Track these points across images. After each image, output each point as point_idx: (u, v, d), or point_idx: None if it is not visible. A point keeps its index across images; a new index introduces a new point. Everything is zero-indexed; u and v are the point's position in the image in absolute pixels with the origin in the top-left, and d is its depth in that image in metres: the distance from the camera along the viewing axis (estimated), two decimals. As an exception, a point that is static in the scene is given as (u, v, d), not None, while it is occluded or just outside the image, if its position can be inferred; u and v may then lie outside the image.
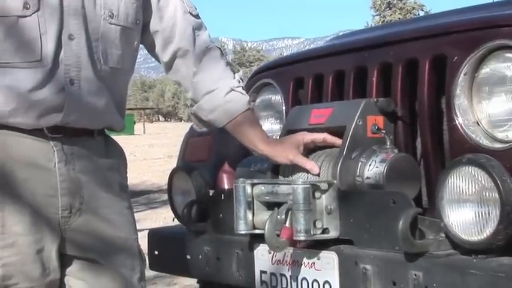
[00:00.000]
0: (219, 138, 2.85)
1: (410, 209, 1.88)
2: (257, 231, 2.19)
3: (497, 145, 2.02)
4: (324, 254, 2.09)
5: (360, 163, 2.14)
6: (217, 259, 2.46)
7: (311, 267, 2.13)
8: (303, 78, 2.65)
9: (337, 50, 2.66)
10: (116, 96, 2.04)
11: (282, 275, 2.21)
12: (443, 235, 1.88)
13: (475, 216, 1.82)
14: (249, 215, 2.20)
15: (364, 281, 1.96)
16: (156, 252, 2.76)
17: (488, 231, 1.78)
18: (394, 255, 1.90)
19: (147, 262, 2.35)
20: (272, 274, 2.25)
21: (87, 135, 1.99)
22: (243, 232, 2.21)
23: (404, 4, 62.41)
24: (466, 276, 1.74)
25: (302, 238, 2.04)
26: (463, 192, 1.85)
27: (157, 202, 11.15)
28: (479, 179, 1.81)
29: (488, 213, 1.79)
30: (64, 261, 1.97)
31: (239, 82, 2.30)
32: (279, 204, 2.12)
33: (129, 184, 2.18)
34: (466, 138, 2.07)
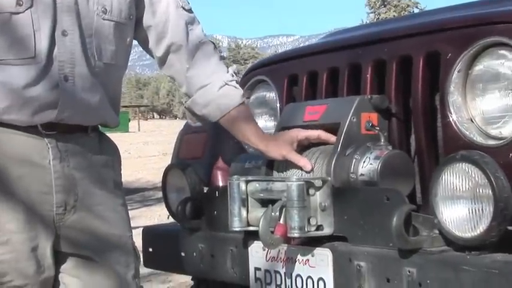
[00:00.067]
0: (214, 135, 2.84)
1: (404, 206, 1.88)
2: (251, 228, 2.19)
3: (491, 142, 2.03)
4: (318, 250, 2.09)
5: (354, 160, 2.14)
6: (211, 256, 2.46)
7: (305, 264, 2.13)
8: (297, 75, 2.65)
9: (331, 47, 2.66)
10: (110, 92, 2.04)
11: (276, 271, 2.21)
12: (437, 232, 1.88)
13: (469, 213, 1.83)
14: (243, 212, 2.20)
15: (358, 278, 1.96)
16: (151, 250, 2.76)
17: (481, 228, 1.78)
18: (388, 251, 1.91)
19: (142, 259, 2.35)
20: (266, 271, 2.25)
21: (81, 132, 1.99)
22: (237, 229, 2.21)
23: (399, 2, 62.45)
24: (459, 273, 1.74)
25: (296, 235, 2.05)
26: (456, 188, 1.85)
27: (152, 200, 11.14)
28: (473, 175, 1.81)
29: (482, 209, 1.80)
30: (58, 258, 1.97)
31: (232, 76, 2.30)
32: (273, 201, 2.12)
33: (124, 182, 2.18)
34: (459, 135, 2.07)
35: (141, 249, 2.64)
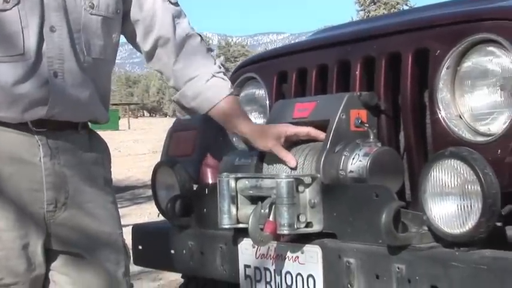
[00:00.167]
0: (203, 132, 2.84)
1: (393, 203, 1.88)
2: (241, 226, 2.19)
3: (480, 138, 2.03)
4: (307, 247, 2.09)
5: (343, 157, 2.14)
6: (201, 253, 2.45)
7: (295, 261, 2.13)
8: (287, 72, 2.65)
9: (320, 44, 2.66)
10: (99, 88, 2.04)
11: (266, 269, 2.21)
12: (426, 228, 1.88)
13: (458, 209, 1.83)
14: (233, 209, 2.20)
15: (348, 275, 1.96)
16: (140, 247, 2.76)
17: (470, 224, 1.78)
18: (377, 248, 1.91)
19: (132, 257, 2.35)
20: (256, 268, 2.25)
21: (72, 129, 1.99)
22: (226, 226, 2.21)
23: (388, -1, 62.48)
24: (448, 269, 1.75)
25: (286, 232, 2.05)
26: (445, 185, 1.85)
27: (142, 197, 11.14)
28: (462, 172, 1.82)
29: (471, 206, 1.80)
30: (49, 256, 1.97)
31: (220, 68, 2.31)
32: (262, 198, 2.12)
33: (114, 180, 2.18)
34: (448, 132, 2.08)
35: (131, 247, 2.64)
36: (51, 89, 1.89)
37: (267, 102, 2.72)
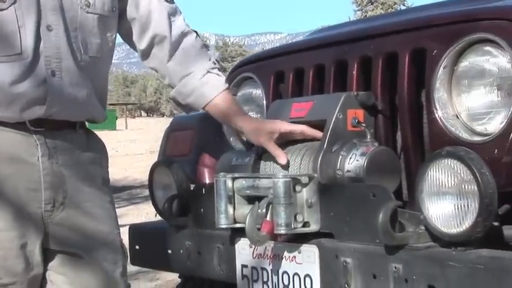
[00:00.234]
0: (200, 132, 2.84)
1: (390, 202, 1.88)
2: (238, 225, 2.19)
3: (476, 138, 2.04)
4: (304, 247, 2.09)
5: (340, 156, 2.14)
6: (198, 253, 2.45)
7: (292, 260, 2.13)
8: (284, 72, 2.65)
9: (317, 43, 2.66)
10: (97, 86, 2.05)
11: (263, 268, 2.21)
12: (423, 228, 1.88)
13: (454, 209, 1.83)
14: (230, 209, 2.20)
15: (345, 274, 1.96)
16: (137, 247, 2.75)
17: (467, 224, 1.78)
18: (374, 248, 1.91)
19: (129, 257, 2.35)
20: (253, 268, 2.25)
21: (69, 128, 1.99)
22: (224, 226, 2.21)
23: (385, -1, 62.50)
24: (445, 269, 1.75)
25: (283, 232, 2.05)
26: (442, 185, 1.85)
27: (140, 197, 11.13)
28: (459, 171, 1.82)
29: (467, 205, 1.80)
30: (47, 255, 1.97)
31: (214, 64, 2.34)
32: (259, 198, 2.12)
33: (111, 179, 2.18)
34: (445, 131, 2.08)
35: (128, 247, 2.64)
36: (48, 88, 1.90)
37: (264, 102, 2.72)
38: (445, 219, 1.84)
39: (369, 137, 2.19)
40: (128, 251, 2.25)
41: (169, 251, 2.57)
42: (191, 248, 2.48)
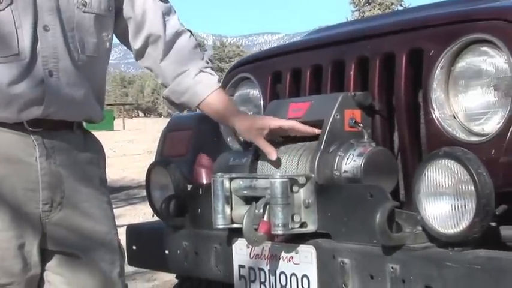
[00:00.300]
0: (197, 133, 2.84)
1: (388, 203, 1.88)
2: (235, 226, 2.19)
3: (474, 138, 2.04)
4: (301, 248, 2.09)
5: (337, 157, 2.14)
6: (195, 254, 2.45)
7: (289, 261, 2.13)
8: (281, 72, 2.65)
9: (314, 44, 2.66)
10: (94, 86, 2.05)
11: (260, 269, 2.21)
12: (420, 228, 1.88)
13: (452, 209, 1.83)
14: (227, 210, 2.20)
15: (342, 275, 1.96)
16: (135, 248, 2.75)
17: (464, 224, 1.79)
18: (371, 248, 1.91)
19: (126, 257, 2.35)
20: (250, 268, 2.25)
21: (67, 128, 1.99)
22: (221, 227, 2.21)
23: (383, -1, 62.53)
24: (442, 269, 1.75)
25: (280, 232, 2.05)
26: (439, 185, 1.85)
27: (137, 198, 11.13)
28: (456, 172, 1.82)
29: (465, 206, 1.80)
30: (44, 255, 1.97)
31: (207, 63, 2.34)
32: (257, 199, 2.12)
33: (109, 180, 2.18)
34: (442, 132, 2.08)
35: (126, 247, 2.64)
36: (46, 88, 1.89)
37: (262, 102, 2.72)
38: (442, 220, 1.84)
39: (366, 137, 2.19)
40: (125, 251, 2.24)
41: (167, 252, 2.56)
42: (188, 249, 2.48)
